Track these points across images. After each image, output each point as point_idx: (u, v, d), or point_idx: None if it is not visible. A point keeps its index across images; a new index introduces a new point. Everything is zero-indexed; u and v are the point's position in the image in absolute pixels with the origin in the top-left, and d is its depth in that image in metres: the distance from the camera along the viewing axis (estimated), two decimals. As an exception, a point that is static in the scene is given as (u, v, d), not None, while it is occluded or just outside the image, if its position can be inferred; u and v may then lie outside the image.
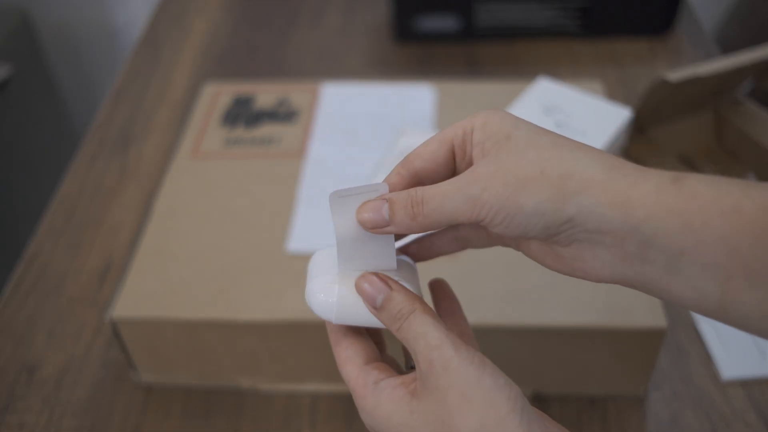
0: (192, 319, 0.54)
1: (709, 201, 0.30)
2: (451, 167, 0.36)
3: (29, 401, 0.59)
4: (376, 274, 0.36)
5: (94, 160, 0.81)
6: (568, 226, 0.32)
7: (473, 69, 0.92)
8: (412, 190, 0.34)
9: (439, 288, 0.40)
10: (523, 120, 0.34)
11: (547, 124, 0.64)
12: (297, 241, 0.59)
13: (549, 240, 0.33)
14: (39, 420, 0.58)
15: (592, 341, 0.53)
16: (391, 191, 0.36)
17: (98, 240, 0.71)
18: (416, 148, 0.37)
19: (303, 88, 0.75)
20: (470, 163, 0.35)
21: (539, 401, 0.57)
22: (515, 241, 0.37)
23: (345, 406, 0.58)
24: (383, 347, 0.40)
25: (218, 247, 0.59)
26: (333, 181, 0.64)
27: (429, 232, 0.38)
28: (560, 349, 0.54)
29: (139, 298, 0.55)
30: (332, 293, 0.36)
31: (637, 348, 0.53)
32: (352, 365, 0.35)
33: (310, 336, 0.55)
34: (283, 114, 0.72)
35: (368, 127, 0.70)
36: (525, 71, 0.91)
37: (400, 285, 0.35)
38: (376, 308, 0.35)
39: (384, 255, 0.36)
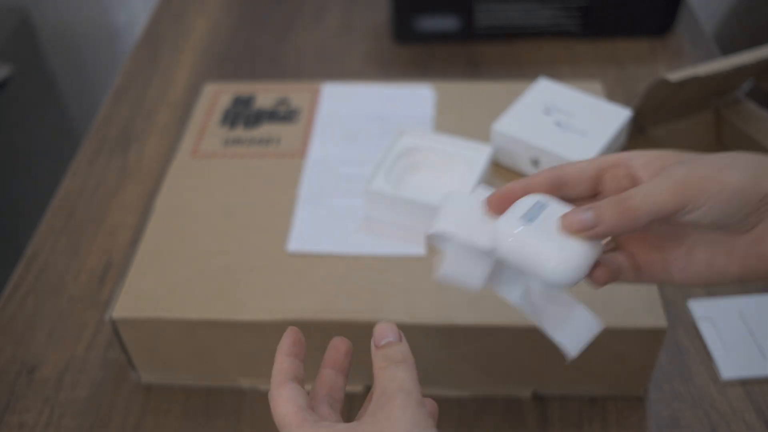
0: (192, 319, 0.54)
1: None
2: (592, 185, 0.39)
3: (29, 401, 0.59)
4: (390, 323, 0.39)
5: (94, 160, 0.81)
6: (764, 203, 0.35)
7: (473, 69, 0.92)
8: (613, 197, 0.37)
9: None
10: None
11: (547, 124, 0.64)
12: (297, 241, 0.59)
13: (736, 225, 0.36)
14: (39, 420, 0.58)
15: (592, 341, 0.53)
16: (534, 185, 0.39)
17: (98, 240, 0.71)
18: (569, 164, 0.40)
19: (303, 88, 0.75)
20: (626, 182, 0.38)
21: (539, 401, 0.57)
22: (670, 266, 0.39)
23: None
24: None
25: (218, 247, 0.59)
26: (333, 181, 0.64)
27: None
28: (560, 349, 0.54)
29: (139, 298, 0.55)
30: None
31: (637, 348, 0.53)
32: (293, 404, 0.37)
33: (310, 336, 0.55)
34: (283, 114, 0.72)
35: (368, 127, 0.70)
36: (525, 71, 0.91)
37: (406, 341, 0.39)
38: (376, 347, 0.38)
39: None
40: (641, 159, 0.38)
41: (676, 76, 0.65)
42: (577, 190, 0.39)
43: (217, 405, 0.59)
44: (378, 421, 0.35)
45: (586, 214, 0.36)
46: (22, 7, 1.30)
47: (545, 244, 0.36)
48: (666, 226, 0.38)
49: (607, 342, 0.53)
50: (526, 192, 0.39)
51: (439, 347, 0.54)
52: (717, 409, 0.56)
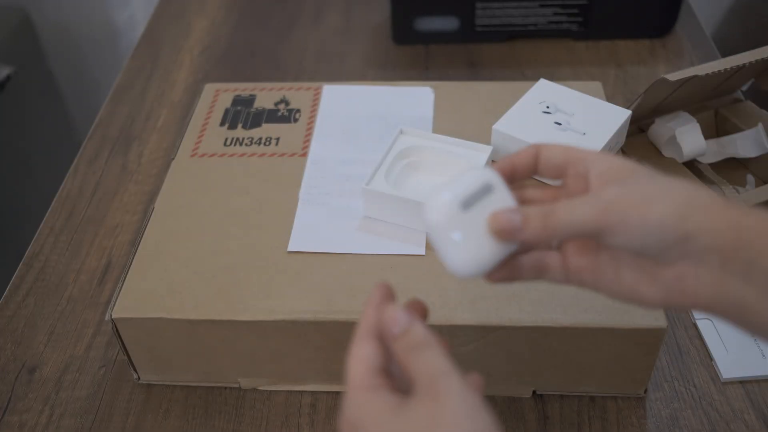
0: (192, 319, 0.54)
1: None
2: (558, 173, 0.40)
3: (29, 401, 0.59)
4: (399, 308, 0.38)
5: (94, 160, 0.81)
6: (683, 241, 0.34)
7: (473, 69, 0.92)
8: (543, 207, 0.37)
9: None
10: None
11: (547, 124, 0.64)
12: (297, 241, 0.59)
13: (658, 257, 0.35)
14: (39, 420, 0.58)
15: (592, 341, 0.53)
16: (519, 162, 0.40)
17: (98, 240, 0.71)
18: (546, 144, 0.41)
19: (303, 88, 0.75)
20: (581, 184, 0.39)
21: (539, 401, 0.57)
22: (600, 277, 0.39)
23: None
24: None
25: (218, 247, 0.59)
26: (333, 181, 0.64)
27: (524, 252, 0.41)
28: (560, 348, 0.54)
29: (139, 298, 0.55)
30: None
31: (637, 348, 0.53)
32: (365, 365, 0.36)
33: (310, 336, 0.55)
34: (283, 114, 0.72)
35: (368, 128, 0.70)
36: (525, 71, 0.91)
37: (420, 323, 0.37)
38: (393, 338, 0.37)
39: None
40: (600, 166, 0.38)
41: (675, 76, 0.65)
42: (547, 174, 0.40)
43: (217, 405, 0.59)
44: (425, 405, 0.34)
45: (514, 217, 0.37)
46: (22, 7, 1.30)
47: (464, 240, 0.38)
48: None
49: (607, 342, 0.53)
50: (512, 169, 0.41)
51: (439, 347, 0.54)
52: (717, 409, 0.56)
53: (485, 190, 0.39)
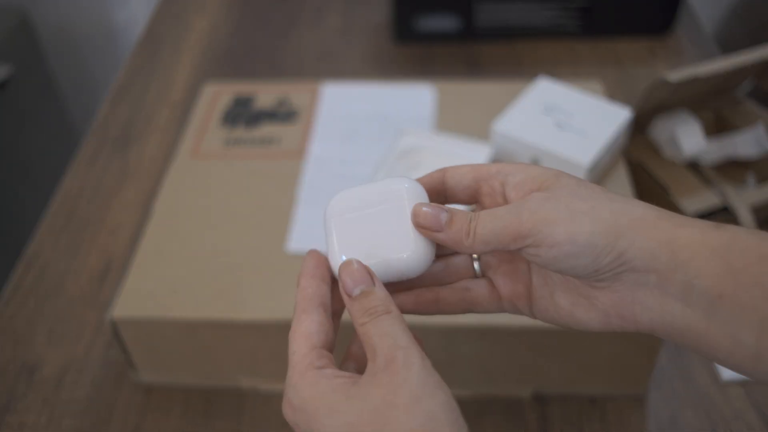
0: (192, 319, 0.54)
1: (750, 245, 0.30)
2: (470, 194, 0.37)
3: (29, 401, 0.59)
4: (361, 264, 0.35)
5: (94, 160, 0.81)
6: (617, 263, 0.32)
7: (473, 69, 0.92)
8: (470, 212, 0.34)
9: None
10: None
11: (547, 124, 0.64)
12: (297, 241, 0.59)
13: (591, 278, 0.33)
14: (39, 420, 0.58)
15: (592, 341, 0.53)
16: (424, 185, 0.37)
17: (98, 240, 0.71)
18: (453, 166, 0.37)
19: (303, 88, 0.75)
20: (500, 198, 0.36)
21: (539, 401, 0.57)
22: (535, 302, 0.36)
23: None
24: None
25: (218, 247, 0.59)
26: (333, 181, 0.64)
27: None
28: (560, 349, 0.54)
29: (139, 298, 0.55)
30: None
31: (637, 348, 0.53)
32: (308, 342, 0.34)
33: (310, 336, 0.55)
34: (283, 114, 0.72)
35: (368, 127, 0.70)
36: (525, 71, 0.91)
37: (381, 284, 0.35)
38: (350, 297, 0.34)
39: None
40: (517, 177, 0.35)
41: (676, 76, 0.65)
42: (459, 198, 0.37)
43: (217, 405, 0.59)
44: (381, 383, 0.31)
45: (442, 214, 0.34)
46: (22, 7, 1.30)
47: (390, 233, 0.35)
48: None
49: (607, 342, 0.53)
50: None
51: (439, 347, 0.54)
52: (717, 410, 0.56)
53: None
